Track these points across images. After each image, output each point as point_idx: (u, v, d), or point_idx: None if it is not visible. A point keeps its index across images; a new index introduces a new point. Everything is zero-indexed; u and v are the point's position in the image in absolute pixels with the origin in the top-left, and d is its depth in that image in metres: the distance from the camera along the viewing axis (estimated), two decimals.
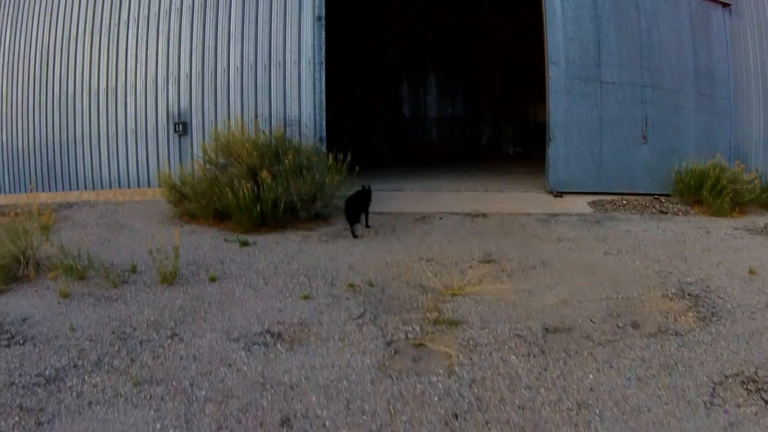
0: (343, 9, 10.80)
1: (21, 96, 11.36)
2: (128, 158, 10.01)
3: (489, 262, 6.00)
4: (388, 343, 4.18)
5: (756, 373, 3.77)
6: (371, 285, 5.29)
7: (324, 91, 8.86)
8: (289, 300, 4.99)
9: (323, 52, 8.84)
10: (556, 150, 9.14)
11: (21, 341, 4.17)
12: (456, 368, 3.83)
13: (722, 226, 7.64)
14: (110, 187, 10.18)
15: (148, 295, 5.06)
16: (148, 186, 9.64)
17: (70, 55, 10.61)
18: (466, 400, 3.48)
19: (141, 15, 9.84)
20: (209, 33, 9.33)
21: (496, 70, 17.80)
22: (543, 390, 3.59)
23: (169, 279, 5.30)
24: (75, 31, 10.55)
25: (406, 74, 18.17)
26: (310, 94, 8.84)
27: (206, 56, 9.35)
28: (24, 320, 4.51)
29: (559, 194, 9.09)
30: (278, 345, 4.17)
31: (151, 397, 3.49)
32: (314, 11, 8.83)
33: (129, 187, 9.96)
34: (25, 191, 11.02)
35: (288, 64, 8.95)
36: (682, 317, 4.64)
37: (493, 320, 4.56)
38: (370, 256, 6.18)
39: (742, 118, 9.81)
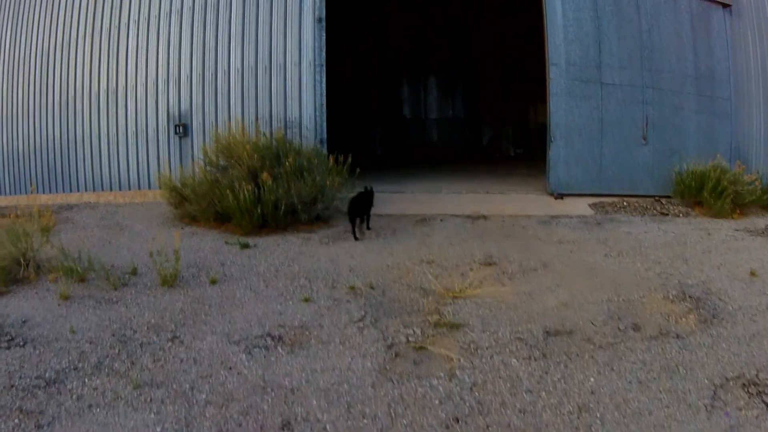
0: (343, 9, 10.79)
1: (22, 98, 11.38)
2: (129, 160, 10.01)
3: (490, 264, 6.00)
4: (389, 347, 4.18)
5: (757, 375, 3.76)
6: (372, 288, 5.29)
7: (324, 93, 8.86)
8: (290, 303, 4.98)
9: (324, 53, 8.83)
10: (556, 152, 9.13)
11: (21, 343, 4.17)
12: (457, 371, 3.83)
13: (723, 227, 7.62)
14: (111, 188, 10.18)
15: (149, 298, 5.05)
16: (149, 188, 9.65)
17: (71, 57, 10.62)
18: (467, 404, 3.47)
19: (141, 17, 9.84)
20: (209, 35, 9.33)
21: (496, 70, 17.79)
22: (544, 393, 3.58)
23: (170, 281, 5.30)
24: (75, 33, 10.56)
25: (407, 75, 18.14)
26: (311, 96, 8.85)
27: (206, 58, 9.35)
28: (24, 322, 4.51)
29: (560, 196, 9.08)
30: (279, 348, 4.17)
31: (151, 400, 3.49)
32: (315, 13, 8.83)
33: (129, 188, 9.97)
34: (26, 193, 11.04)
35: (288, 65, 8.95)
36: (683, 319, 4.63)
37: (494, 323, 4.56)
38: (371, 259, 6.17)
39: (742, 118, 9.79)
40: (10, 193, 11.63)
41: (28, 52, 11.28)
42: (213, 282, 5.41)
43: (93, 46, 10.31)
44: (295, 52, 8.92)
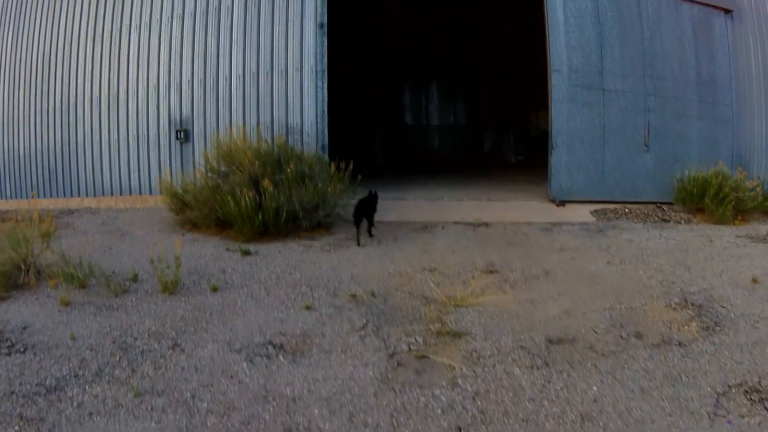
0: (342, 8, 10.77)
1: (23, 102, 11.40)
2: (129, 165, 10.01)
3: (492, 272, 5.98)
4: (391, 355, 4.16)
5: (760, 383, 3.75)
6: (374, 295, 5.28)
7: (326, 99, 8.83)
8: (291, 310, 4.97)
9: (325, 59, 8.82)
10: (558, 158, 9.12)
11: (21, 349, 4.15)
12: (459, 380, 3.81)
13: (725, 234, 7.61)
14: (111, 194, 10.18)
15: (150, 305, 5.04)
16: (150, 193, 9.63)
17: (72, 61, 10.64)
18: (470, 413, 3.45)
19: (143, 22, 9.86)
20: (211, 40, 9.33)
21: (495, 68, 17.76)
22: (547, 402, 3.57)
23: (171, 288, 5.28)
24: (77, 38, 10.58)
25: (406, 75, 18.06)
26: (312, 102, 8.83)
27: (208, 63, 9.35)
28: (24, 328, 4.49)
29: (562, 203, 9.07)
30: (280, 356, 4.15)
31: (152, 408, 3.47)
32: (316, 18, 8.82)
33: (130, 194, 9.96)
34: (27, 197, 11.04)
35: (290, 71, 8.94)
36: (686, 327, 4.62)
37: (496, 331, 4.54)
38: (373, 266, 6.16)
39: (744, 125, 9.79)
40: (11, 198, 11.63)
41: (29, 57, 11.30)
42: (214, 289, 5.40)
43: (94, 51, 10.33)
44: (297, 57, 8.90)
